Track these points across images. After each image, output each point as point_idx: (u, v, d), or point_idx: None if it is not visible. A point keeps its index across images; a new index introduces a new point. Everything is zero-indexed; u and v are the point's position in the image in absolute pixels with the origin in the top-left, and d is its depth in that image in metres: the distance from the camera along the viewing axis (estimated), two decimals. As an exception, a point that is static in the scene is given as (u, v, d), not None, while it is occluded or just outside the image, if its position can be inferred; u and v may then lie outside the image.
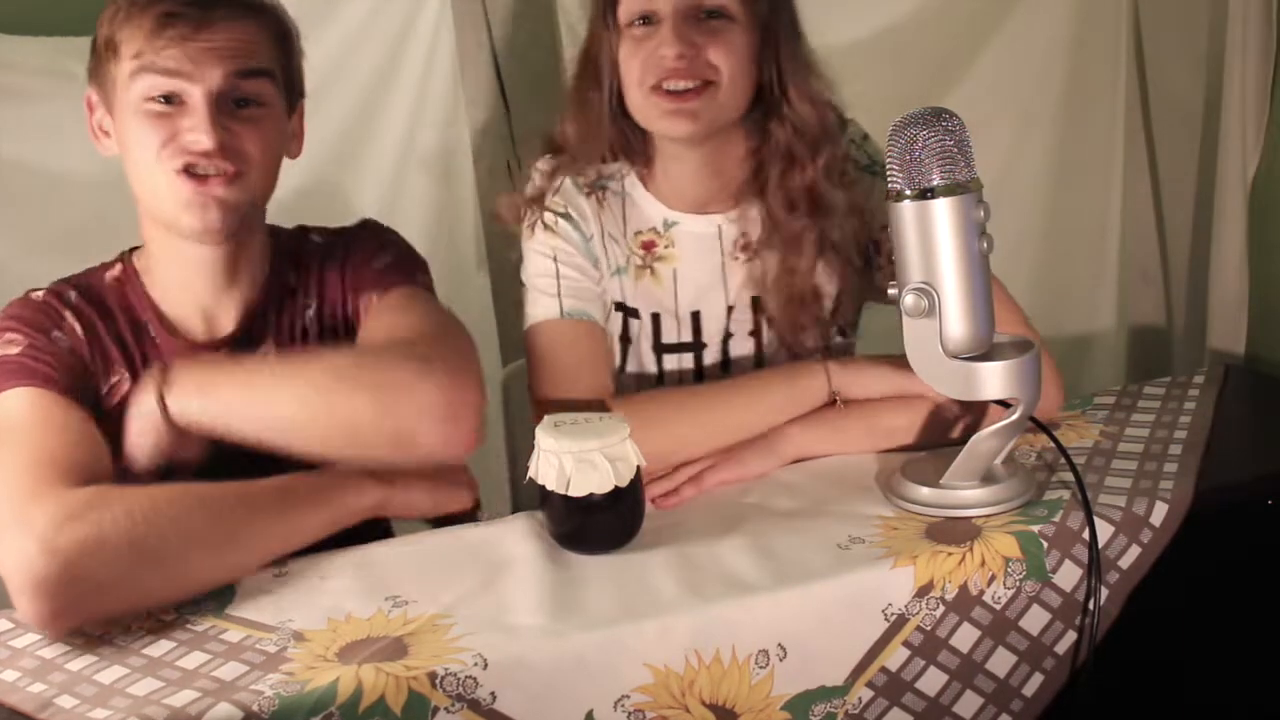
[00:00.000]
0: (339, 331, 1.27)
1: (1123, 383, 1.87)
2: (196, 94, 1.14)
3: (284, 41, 1.23)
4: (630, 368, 1.41)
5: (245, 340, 1.25)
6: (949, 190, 1.03)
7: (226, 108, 1.15)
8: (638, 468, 1.08)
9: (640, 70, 1.26)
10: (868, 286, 1.39)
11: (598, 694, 0.95)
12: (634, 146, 1.36)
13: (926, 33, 1.80)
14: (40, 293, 1.24)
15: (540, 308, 1.32)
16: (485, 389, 1.11)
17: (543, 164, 1.37)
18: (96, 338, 1.22)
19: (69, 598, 0.96)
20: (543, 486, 1.07)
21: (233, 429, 1.07)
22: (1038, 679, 1.08)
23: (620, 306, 1.39)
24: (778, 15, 1.28)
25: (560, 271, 1.32)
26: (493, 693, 0.92)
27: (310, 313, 1.28)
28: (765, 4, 1.27)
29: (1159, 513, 1.09)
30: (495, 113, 1.69)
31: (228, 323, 1.25)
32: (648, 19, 1.26)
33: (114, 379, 1.22)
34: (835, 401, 1.23)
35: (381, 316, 1.22)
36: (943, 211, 1.04)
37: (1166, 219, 1.87)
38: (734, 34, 1.26)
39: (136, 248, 1.28)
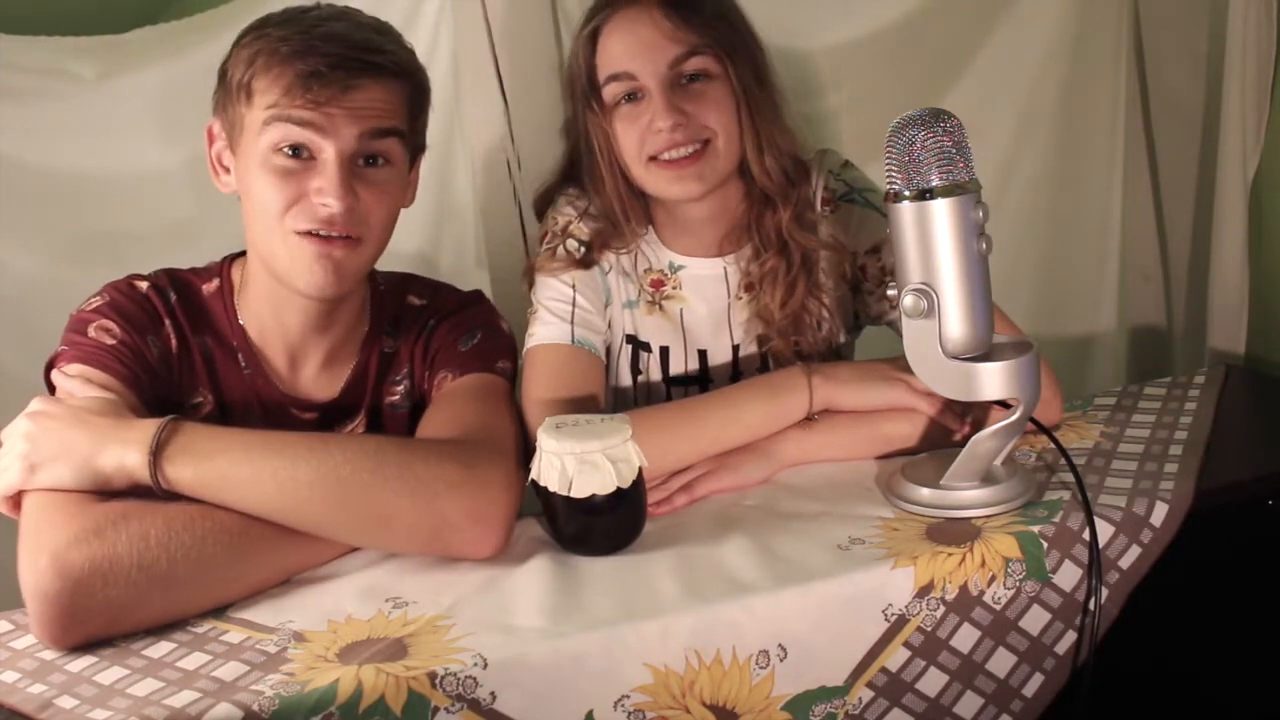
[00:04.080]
0: (423, 408, 1.25)
1: (1123, 383, 1.87)
2: (329, 152, 1.12)
3: (418, 99, 1.21)
4: (641, 399, 1.42)
5: (341, 409, 1.26)
6: (947, 191, 1.03)
7: (355, 167, 1.14)
8: (639, 469, 1.08)
9: (637, 145, 1.29)
10: (860, 311, 1.41)
11: (598, 694, 0.95)
12: (642, 212, 1.38)
13: (925, 33, 1.80)
14: (145, 283, 1.22)
15: (551, 330, 1.31)
16: (520, 496, 1.11)
17: (571, 195, 1.39)
18: (188, 352, 1.21)
19: (75, 615, 0.96)
20: (545, 488, 1.07)
21: (235, 503, 1.04)
22: (1038, 679, 1.08)
23: (631, 339, 1.40)
24: (742, 68, 1.29)
25: (577, 300, 1.33)
26: (493, 692, 0.92)
27: (402, 389, 1.28)
28: (735, 58, 1.28)
29: (1159, 513, 1.09)
30: (495, 113, 1.69)
31: (313, 366, 1.25)
32: (633, 96, 1.28)
33: (196, 399, 1.22)
34: (811, 418, 1.23)
35: (448, 403, 1.21)
36: (941, 212, 1.04)
37: (1166, 219, 1.87)
38: (718, 91, 1.28)
39: (234, 257, 1.26)
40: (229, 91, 1.15)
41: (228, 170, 1.20)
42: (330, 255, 1.14)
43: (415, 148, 1.24)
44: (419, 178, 1.27)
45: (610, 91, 1.29)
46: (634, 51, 1.27)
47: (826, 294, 1.38)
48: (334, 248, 1.14)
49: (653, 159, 1.28)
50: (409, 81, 1.18)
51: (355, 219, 1.14)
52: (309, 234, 1.13)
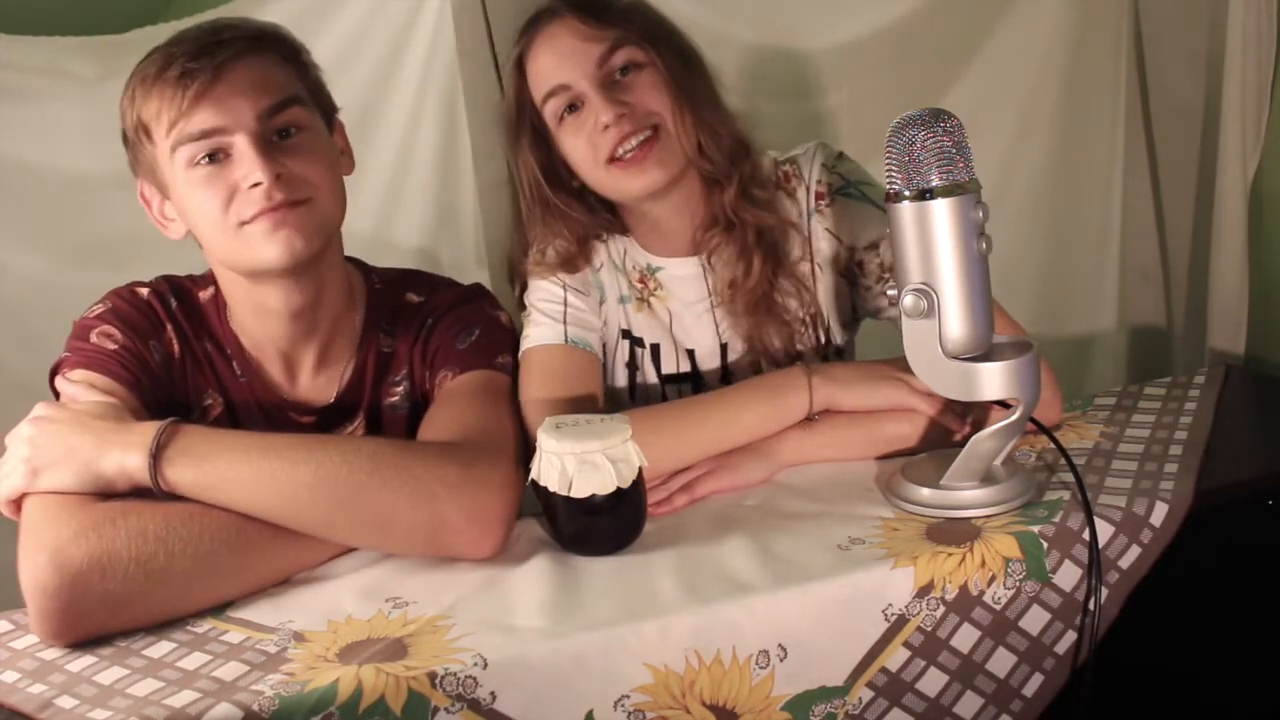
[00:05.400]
0: (423, 408, 1.24)
1: (1123, 383, 1.87)
2: (238, 140, 1.12)
3: (298, 62, 1.20)
4: (638, 396, 1.42)
5: (339, 411, 1.26)
6: (947, 191, 1.03)
7: (270, 143, 1.14)
8: (640, 469, 1.08)
9: (590, 150, 1.28)
10: (858, 305, 1.40)
11: (598, 694, 0.95)
12: (611, 222, 1.38)
13: (925, 33, 1.80)
14: (146, 289, 1.23)
15: (545, 330, 1.32)
16: (520, 496, 1.11)
17: None
18: (194, 355, 1.22)
19: (74, 609, 0.97)
20: (545, 488, 1.07)
21: (235, 505, 1.04)
22: (1038, 679, 1.08)
23: (626, 334, 1.41)
24: (665, 52, 1.29)
25: (568, 300, 1.34)
26: (493, 692, 0.92)
27: (401, 390, 1.28)
28: (658, 44, 1.29)
29: (1159, 513, 1.09)
30: (495, 113, 1.68)
31: (308, 369, 1.25)
32: (573, 106, 1.28)
33: (207, 401, 1.22)
34: (812, 418, 1.23)
35: (449, 403, 1.21)
36: (941, 212, 1.04)
37: (1166, 219, 1.87)
38: (651, 77, 1.28)
39: None
40: (133, 144, 1.17)
41: (172, 220, 1.20)
42: (284, 221, 1.13)
43: (324, 110, 1.23)
44: (349, 143, 1.27)
45: (551, 109, 1.30)
46: (560, 62, 1.28)
47: (794, 270, 1.36)
48: (285, 213, 1.13)
49: (610, 161, 1.27)
50: (276, 48, 1.18)
51: (292, 184, 1.14)
52: (255, 216, 1.13)
